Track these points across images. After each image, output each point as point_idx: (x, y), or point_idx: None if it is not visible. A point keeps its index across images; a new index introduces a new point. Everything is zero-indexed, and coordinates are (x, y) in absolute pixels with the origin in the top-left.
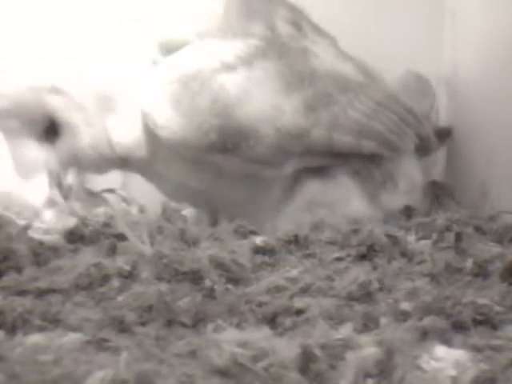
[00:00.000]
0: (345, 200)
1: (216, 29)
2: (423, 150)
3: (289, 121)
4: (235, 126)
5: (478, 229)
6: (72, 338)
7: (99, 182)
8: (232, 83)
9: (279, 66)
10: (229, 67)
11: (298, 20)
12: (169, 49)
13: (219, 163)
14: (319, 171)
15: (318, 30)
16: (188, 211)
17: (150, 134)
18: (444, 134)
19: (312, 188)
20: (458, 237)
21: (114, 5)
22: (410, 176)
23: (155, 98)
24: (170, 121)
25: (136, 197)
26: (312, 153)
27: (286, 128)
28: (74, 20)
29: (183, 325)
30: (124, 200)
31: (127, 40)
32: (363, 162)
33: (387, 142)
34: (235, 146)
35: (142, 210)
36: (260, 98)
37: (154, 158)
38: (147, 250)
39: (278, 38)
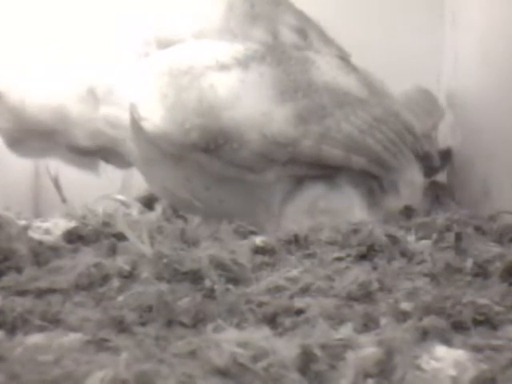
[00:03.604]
0: (346, 208)
1: (214, 30)
2: (426, 171)
3: (277, 129)
4: (219, 127)
5: (477, 229)
6: (72, 338)
7: (99, 184)
8: (223, 84)
9: (276, 72)
10: (223, 67)
11: (306, 28)
12: (164, 45)
13: (200, 163)
14: (322, 177)
15: (327, 40)
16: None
17: (136, 130)
18: (443, 156)
19: (314, 193)
20: (458, 237)
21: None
22: (412, 182)
23: (142, 89)
24: (153, 113)
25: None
26: (298, 162)
27: (273, 136)
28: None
29: (183, 325)
30: (123, 204)
31: (122, 35)
32: (360, 173)
33: (379, 159)
34: (218, 147)
35: (141, 211)
36: (250, 103)
37: (141, 156)
38: (147, 250)
39: (279, 44)
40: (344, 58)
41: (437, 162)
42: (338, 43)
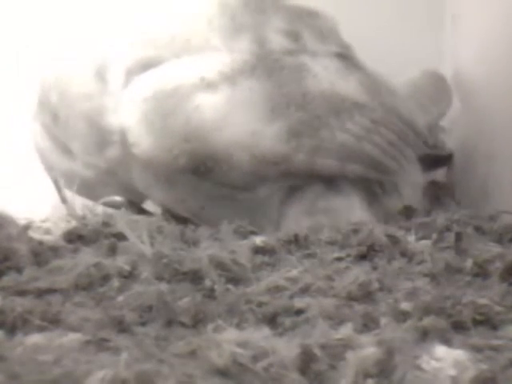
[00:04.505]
0: (346, 208)
1: (196, 47)
2: (432, 162)
3: (267, 148)
4: (207, 150)
5: (477, 229)
6: (72, 337)
7: None
8: (209, 105)
9: (267, 86)
10: (209, 85)
11: (298, 28)
12: (145, 66)
13: (191, 185)
14: (322, 178)
15: (325, 37)
16: None
17: (127, 155)
18: (445, 159)
19: (313, 193)
20: (458, 237)
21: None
22: (413, 182)
23: (130, 114)
24: (141, 139)
25: None
26: (291, 176)
27: (263, 155)
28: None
29: (183, 325)
30: (122, 205)
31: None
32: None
33: (377, 164)
34: (207, 169)
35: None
36: (238, 123)
37: (136, 179)
38: (147, 250)
39: (269, 53)
40: (344, 55)
41: (446, 150)
42: (337, 36)
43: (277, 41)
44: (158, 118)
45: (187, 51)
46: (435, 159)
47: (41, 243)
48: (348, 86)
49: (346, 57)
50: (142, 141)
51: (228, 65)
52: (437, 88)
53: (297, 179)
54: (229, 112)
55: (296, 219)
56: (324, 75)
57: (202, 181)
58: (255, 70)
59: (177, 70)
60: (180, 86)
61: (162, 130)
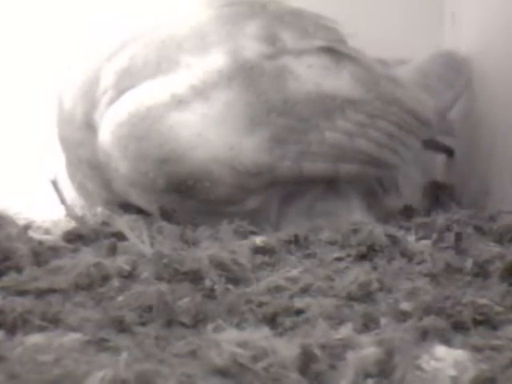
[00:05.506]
0: (345, 210)
1: (165, 69)
2: (431, 146)
3: (248, 159)
4: (185, 170)
5: (478, 229)
6: (72, 337)
7: None
8: (183, 124)
9: (245, 96)
10: (181, 102)
11: (275, 31)
12: (123, 91)
13: (176, 202)
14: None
15: (310, 34)
16: None
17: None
18: (446, 149)
19: (312, 195)
20: (458, 237)
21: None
22: (412, 180)
23: (107, 140)
24: (118, 164)
25: None
26: (280, 184)
27: (245, 167)
28: None
29: (183, 325)
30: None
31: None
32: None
33: (374, 160)
34: (189, 188)
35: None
36: (214, 138)
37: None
38: (147, 250)
39: (245, 62)
40: (334, 49)
41: (455, 134)
42: (328, 31)
43: (253, 47)
44: (132, 143)
45: (159, 75)
46: (437, 144)
47: (41, 243)
48: (338, 82)
49: (336, 51)
50: (120, 165)
51: (199, 78)
52: (449, 69)
53: (288, 186)
54: (203, 128)
55: (295, 222)
56: (308, 75)
57: (185, 199)
58: (231, 81)
59: (148, 91)
60: (152, 107)
61: (137, 155)
